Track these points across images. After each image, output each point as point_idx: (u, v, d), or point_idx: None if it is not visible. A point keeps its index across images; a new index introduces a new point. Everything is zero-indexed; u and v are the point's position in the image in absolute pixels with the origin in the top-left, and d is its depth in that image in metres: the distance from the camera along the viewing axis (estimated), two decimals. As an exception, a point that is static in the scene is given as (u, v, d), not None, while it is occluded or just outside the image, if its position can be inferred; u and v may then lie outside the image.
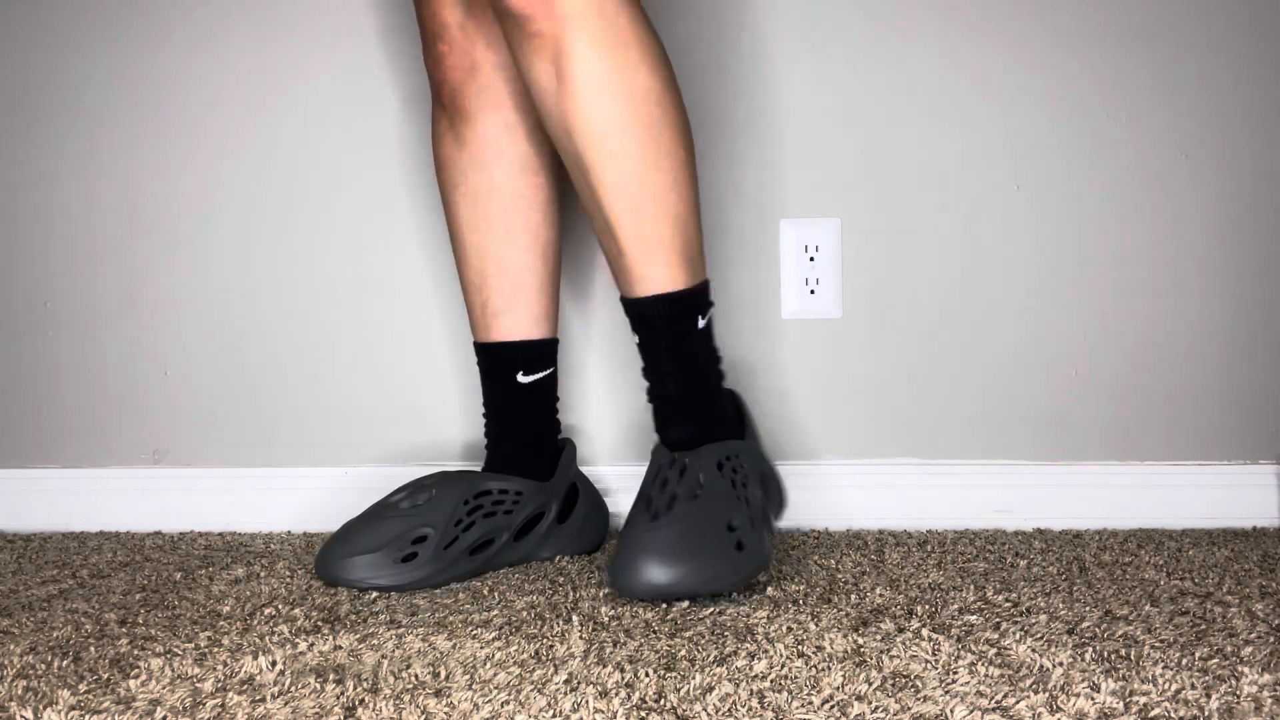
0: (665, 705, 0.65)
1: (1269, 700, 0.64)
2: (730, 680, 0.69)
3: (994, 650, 0.74)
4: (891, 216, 1.20)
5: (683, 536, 0.87)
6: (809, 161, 1.20)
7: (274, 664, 0.73)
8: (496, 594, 0.93)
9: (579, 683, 0.69)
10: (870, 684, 0.68)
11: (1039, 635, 0.77)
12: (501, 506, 1.01)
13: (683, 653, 0.75)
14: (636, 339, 0.97)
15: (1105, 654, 0.73)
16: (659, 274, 0.93)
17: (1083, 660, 0.72)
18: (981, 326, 1.19)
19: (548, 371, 1.07)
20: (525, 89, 0.96)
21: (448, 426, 1.23)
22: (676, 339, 0.95)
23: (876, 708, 0.64)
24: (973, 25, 1.18)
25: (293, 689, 0.69)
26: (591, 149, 0.90)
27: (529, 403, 1.07)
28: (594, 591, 0.92)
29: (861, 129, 1.19)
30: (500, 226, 1.04)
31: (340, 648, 0.77)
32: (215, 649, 0.78)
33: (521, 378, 1.05)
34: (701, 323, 0.96)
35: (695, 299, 0.95)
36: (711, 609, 0.85)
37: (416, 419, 1.24)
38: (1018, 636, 0.77)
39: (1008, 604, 0.85)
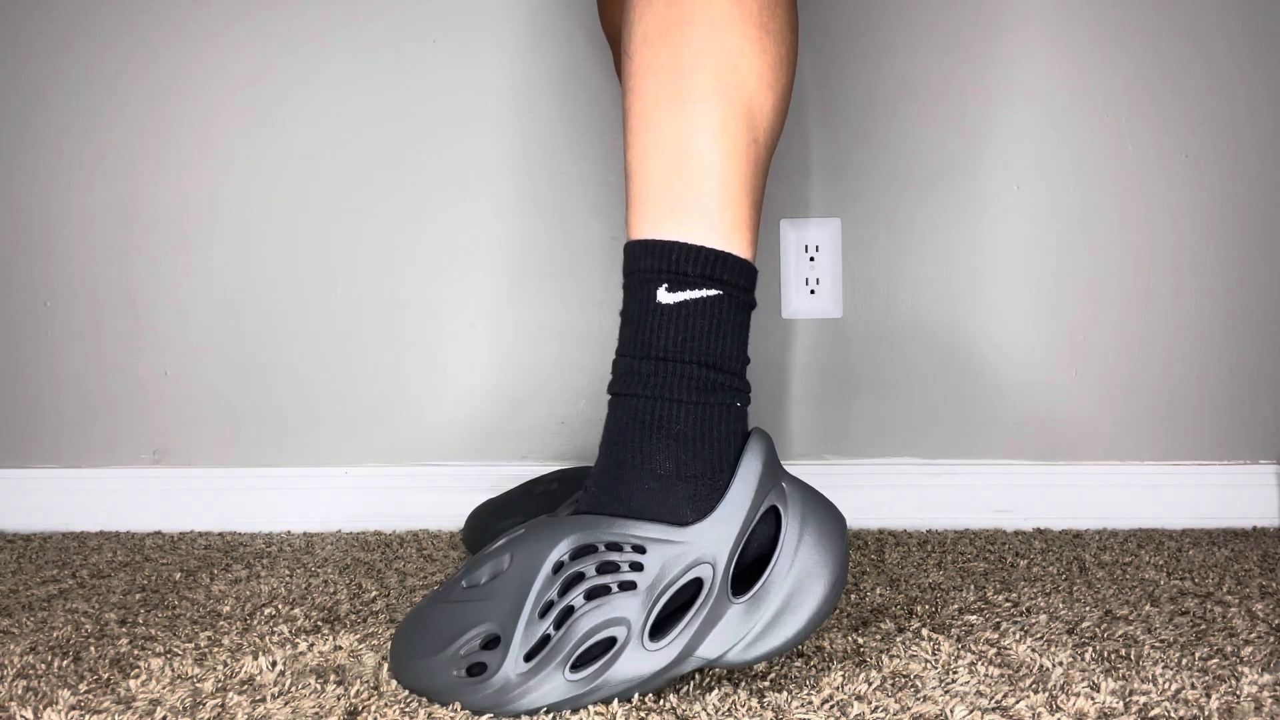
0: (665, 705, 0.65)
1: (1269, 700, 0.64)
2: (730, 680, 0.69)
3: (994, 650, 0.74)
4: (891, 216, 1.20)
5: (419, 625, 0.68)
6: (809, 161, 1.20)
7: (274, 664, 0.73)
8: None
9: (579, 683, 0.69)
10: (870, 684, 0.68)
11: (1039, 635, 0.77)
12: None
13: (683, 653, 0.75)
14: None
15: (1105, 654, 0.73)
16: (630, 216, 0.70)
17: (1083, 660, 0.72)
18: (981, 326, 1.19)
19: None
20: None
21: (450, 427, 1.23)
22: (632, 307, 0.68)
23: (876, 708, 0.64)
24: (973, 25, 1.18)
25: (293, 689, 0.69)
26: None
27: None
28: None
29: (861, 129, 1.19)
30: None
31: (340, 648, 0.77)
32: (215, 649, 0.78)
33: None
34: (666, 297, 0.67)
35: (665, 256, 0.67)
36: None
37: (418, 419, 1.24)
38: (1018, 636, 0.77)
39: (1008, 604, 0.85)
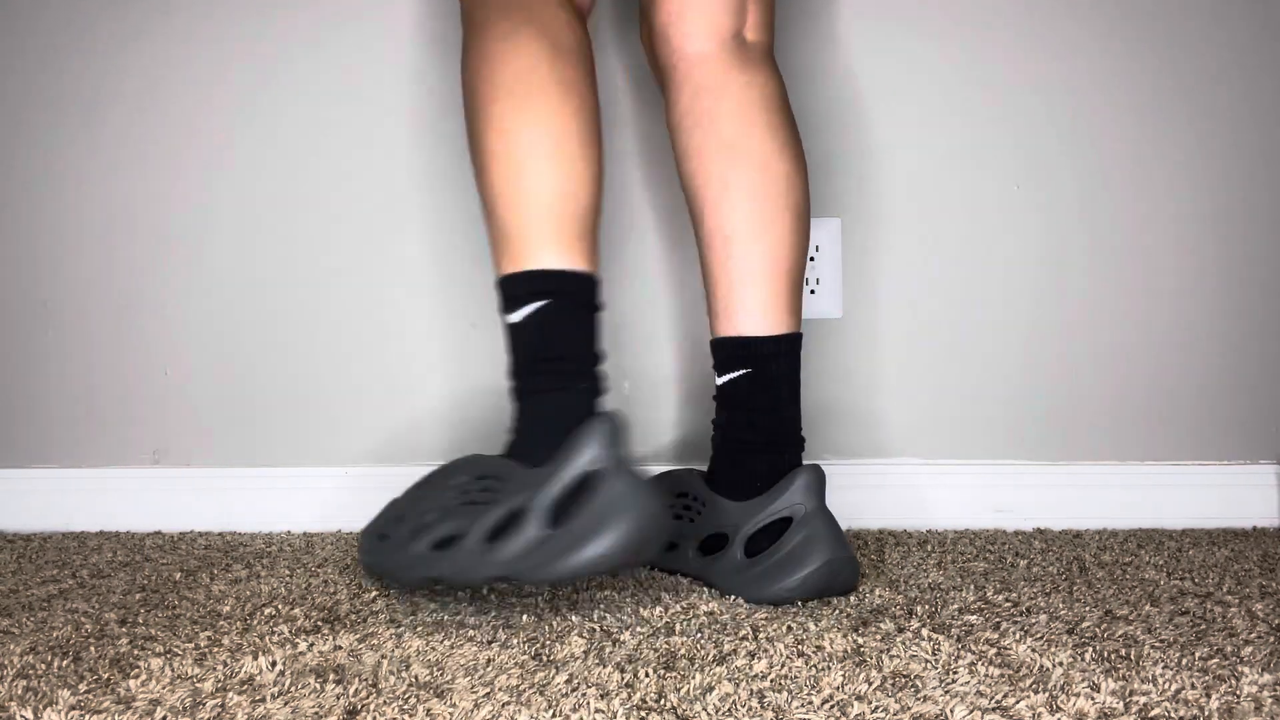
0: (665, 705, 0.65)
1: (1269, 700, 0.64)
2: (730, 680, 0.69)
3: (994, 650, 0.74)
4: (891, 216, 1.20)
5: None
6: (809, 161, 1.20)
7: (274, 664, 0.73)
8: (495, 595, 0.93)
9: (579, 683, 0.69)
10: (870, 684, 0.68)
11: (1039, 635, 0.77)
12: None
13: (682, 652, 0.75)
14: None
15: (1105, 654, 0.73)
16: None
17: (1083, 660, 0.72)
18: (981, 326, 1.19)
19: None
20: None
21: (450, 427, 1.23)
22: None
23: (876, 708, 0.64)
24: (974, 25, 1.18)
25: (293, 689, 0.69)
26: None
27: None
28: (593, 592, 0.92)
29: (861, 129, 1.19)
30: None
31: (340, 648, 0.77)
32: (215, 649, 0.78)
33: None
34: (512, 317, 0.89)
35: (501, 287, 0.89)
36: (711, 608, 0.85)
37: (418, 419, 1.24)
38: (1018, 636, 0.77)
39: (1008, 604, 0.85)
